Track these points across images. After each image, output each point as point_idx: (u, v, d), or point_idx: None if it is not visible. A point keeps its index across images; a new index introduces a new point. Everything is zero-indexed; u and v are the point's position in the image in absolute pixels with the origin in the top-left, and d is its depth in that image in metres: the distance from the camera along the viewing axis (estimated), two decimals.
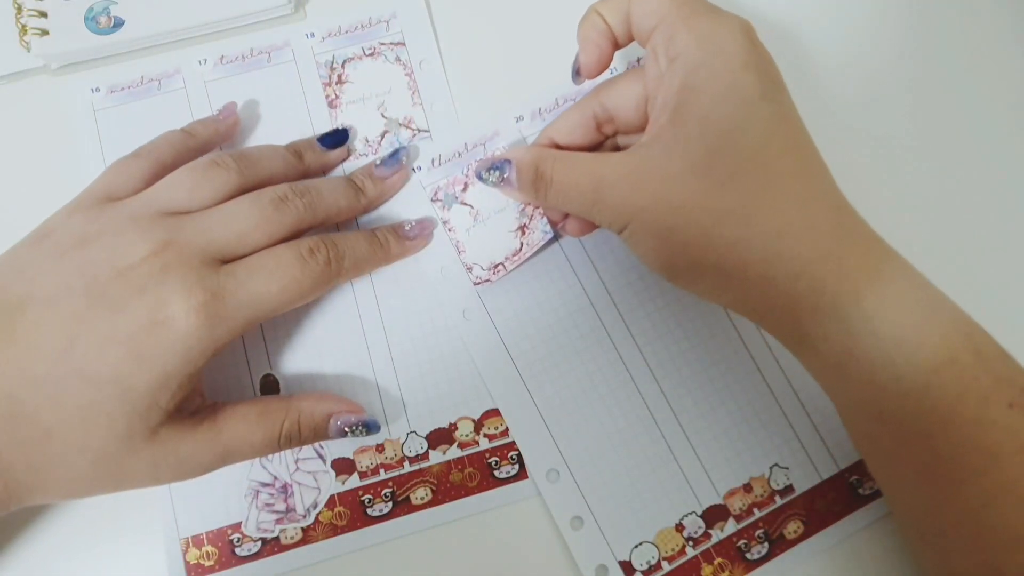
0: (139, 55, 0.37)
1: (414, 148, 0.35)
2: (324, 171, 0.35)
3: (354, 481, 0.32)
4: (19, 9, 0.36)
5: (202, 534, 0.32)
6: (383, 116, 0.36)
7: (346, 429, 0.31)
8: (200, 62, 0.36)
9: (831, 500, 0.32)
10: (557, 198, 0.30)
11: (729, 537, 0.31)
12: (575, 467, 0.32)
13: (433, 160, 0.35)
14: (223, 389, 0.33)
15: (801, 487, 0.32)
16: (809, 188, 0.26)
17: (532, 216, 0.33)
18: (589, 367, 0.33)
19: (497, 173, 0.31)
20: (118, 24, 0.36)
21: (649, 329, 0.33)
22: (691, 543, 0.31)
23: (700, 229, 0.26)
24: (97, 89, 0.36)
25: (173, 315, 0.26)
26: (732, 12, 0.28)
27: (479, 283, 0.33)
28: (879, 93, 0.37)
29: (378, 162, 0.34)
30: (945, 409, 0.24)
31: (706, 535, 0.31)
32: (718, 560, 0.31)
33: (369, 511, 0.32)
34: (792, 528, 0.31)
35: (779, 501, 0.32)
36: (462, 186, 0.34)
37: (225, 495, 0.32)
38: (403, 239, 0.33)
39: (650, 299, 0.34)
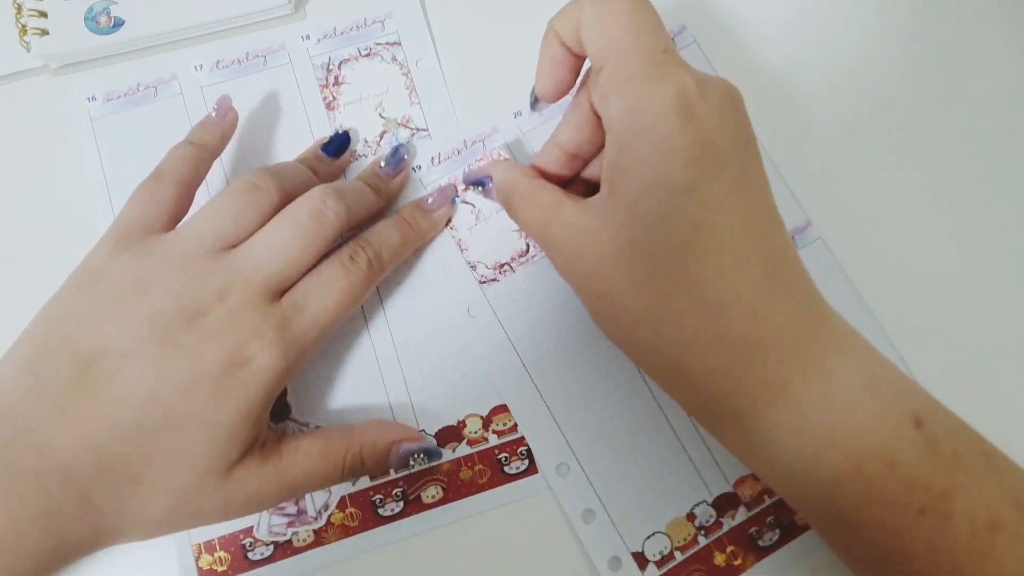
0: (139, 55, 0.37)
1: (411, 146, 0.35)
2: (334, 179, 0.35)
3: (364, 481, 0.32)
4: (19, 9, 0.36)
5: (214, 540, 0.32)
6: (381, 116, 0.36)
7: (410, 459, 0.31)
8: (196, 67, 0.36)
9: None
10: (522, 228, 0.30)
11: (740, 525, 0.32)
12: (585, 460, 0.32)
13: (433, 159, 0.35)
14: None
15: None
16: (725, 292, 0.24)
17: None
18: (596, 360, 0.33)
19: (480, 188, 0.32)
20: (118, 24, 0.36)
21: None
22: (703, 532, 0.31)
23: (618, 325, 0.27)
24: (93, 98, 0.36)
25: (250, 355, 0.27)
26: (678, 66, 0.25)
27: (484, 282, 0.33)
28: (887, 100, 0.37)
29: (382, 163, 0.34)
30: (851, 516, 0.24)
31: (717, 524, 0.32)
32: (730, 548, 0.31)
33: (380, 511, 0.32)
34: None
35: None
36: (463, 185, 0.34)
37: None
38: (428, 213, 0.33)
39: None
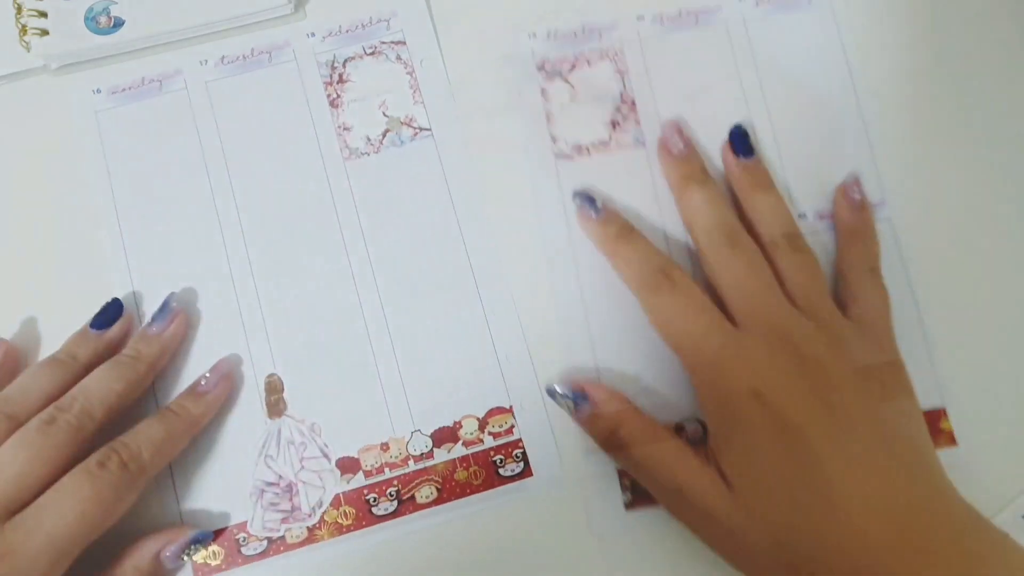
0: (139, 55, 0.37)
1: (185, 290, 0.34)
2: (112, 353, 0.32)
3: (359, 480, 0.32)
4: (19, 9, 0.36)
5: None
6: (384, 115, 0.36)
7: (181, 557, 0.31)
8: (201, 62, 0.36)
9: None
10: (634, 470, 0.31)
11: None
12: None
13: (549, 32, 0.36)
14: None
15: None
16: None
17: (627, 117, 0.35)
18: None
19: (570, 403, 0.31)
20: (118, 24, 0.36)
21: None
22: None
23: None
24: (98, 91, 0.36)
25: None
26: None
27: (561, 157, 0.35)
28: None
29: (149, 321, 0.33)
30: None
31: None
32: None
33: (374, 510, 0.32)
34: None
35: None
36: (569, 66, 0.36)
37: (230, 495, 0.32)
38: (201, 396, 0.32)
39: None
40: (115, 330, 0.33)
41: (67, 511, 0.27)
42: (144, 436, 0.30)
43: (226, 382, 0.33)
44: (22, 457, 0.28)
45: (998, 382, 0.33)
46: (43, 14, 0.36)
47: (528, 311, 0.34)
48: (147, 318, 0.33)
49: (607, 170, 0.35)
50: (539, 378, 0.33)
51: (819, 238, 0.34)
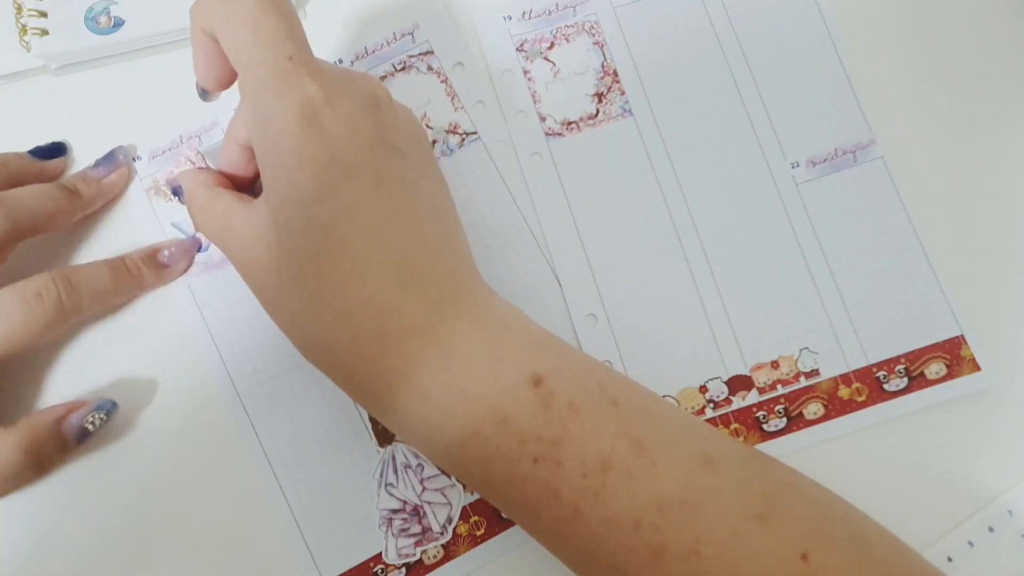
0: (140, 55, 0.37)
1: (131, 147, 0.35)
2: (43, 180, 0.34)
3: None
4: (19, 9, 0.36)
5: (345, 572, 0.32)
6: (429, 127, 0.36)
7: (86, 426, 0.31)
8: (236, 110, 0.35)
9: (855, 391, 0.33)
10: (205, 236, 0.33)
11: (749, 407, 0.33)
12: (613, 314, 0.33)
13: (524, 13, 0.37)
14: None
15: (828, 373, 0.33)
16: (355, 295, 0.25)
17: (611, 88, 0.36)
18: (640, 220, 0.34)
19: (178, 197, 0.34)
20: (118, 24, 0.36)
21: (702, 194, 0.35)
22: (712, 405, 0.33)
23: (281, 325, 0.28)
24: (137, 157, 0.36)
25: None
26: (305, 75, 0.25)
27: (551, 134, 0.35)
28: None
29: (93, 163, 0.34)
30: (481, 475, 0.26)
31: (727, 400, 0.33)
32: (735, 425, 0.33)
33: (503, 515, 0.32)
34: (813, 409, 0.33)
35: (804, 382, 0.33)
36: (548, 44, 0.36)
37: (359, 529, 0.32)
38: (160, 266, 0.33)
39: (706, 167, 0.35)
40: (52, 164, 0.35)
41: None
42: (90, 277, 0.31)
43: (186, 261, 0.34)
44: (15, 320, 0.29)
45: (1012, 305, 0.34)
46: (43, 14, 0.36)
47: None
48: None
49: (598, 143, 0.35)
50: None
51: (813, 184, 0.34)
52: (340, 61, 0.36)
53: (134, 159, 0.35)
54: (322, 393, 0.33)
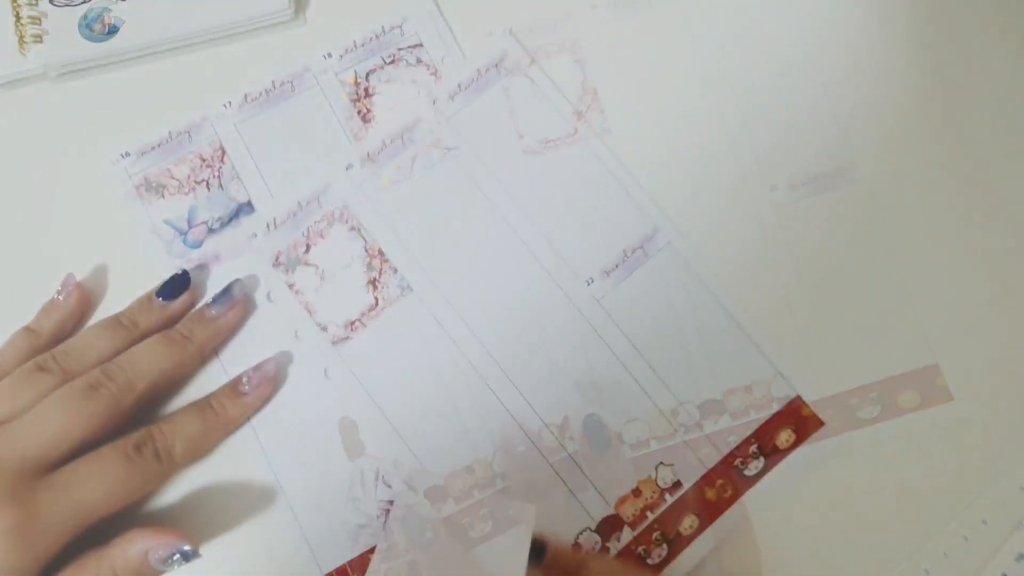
0: (137, 62, 0.36)
1: (251, 279, 0.34)
2: (170, 324, 0.33)
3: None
4: (18, 16, 0.35)
5: (342, 564, 0.31)
6: None
7: (168, 562, 0.30)
8: (225, 105, 0.36)
9: (719, 488, 0.32)
10: None
11: (627, 546, 0.31)
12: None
13: (268, 225, 0.35)
14: None
15: (688, 481, 0.32)
16: None
17: (382, 270, 0.34)
18: (456, 402, 0.33)
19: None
20: (112, 31, 0.36)
21: (499, 343, 0.33)
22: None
23: None
24: (126, 154, 0.35)
25: None
26: None
27: (338, 342, 0.33)
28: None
29: (210, 301, 0.33)
30: None
31: (604, 548, 0.31)
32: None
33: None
34: (687, 523, 0.32)
35: (669, 499, 0.32)
36: (304, 248, 0.34)
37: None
38: (241, 397, 0.32)
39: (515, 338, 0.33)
40: (179, 303, 0.33)
41: (97, 485, 0.29)
42: (182, 428, 0.31)
43: (267, 385, 0.33)
44: (64, 418, 0.29)
45: (987, 335, 0.33)
46: (38, 20, 0.35)
47: None
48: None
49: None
50: None
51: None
52: (329, 55, 0.36)
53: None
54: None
